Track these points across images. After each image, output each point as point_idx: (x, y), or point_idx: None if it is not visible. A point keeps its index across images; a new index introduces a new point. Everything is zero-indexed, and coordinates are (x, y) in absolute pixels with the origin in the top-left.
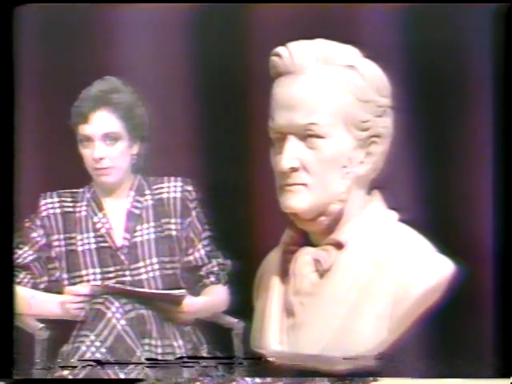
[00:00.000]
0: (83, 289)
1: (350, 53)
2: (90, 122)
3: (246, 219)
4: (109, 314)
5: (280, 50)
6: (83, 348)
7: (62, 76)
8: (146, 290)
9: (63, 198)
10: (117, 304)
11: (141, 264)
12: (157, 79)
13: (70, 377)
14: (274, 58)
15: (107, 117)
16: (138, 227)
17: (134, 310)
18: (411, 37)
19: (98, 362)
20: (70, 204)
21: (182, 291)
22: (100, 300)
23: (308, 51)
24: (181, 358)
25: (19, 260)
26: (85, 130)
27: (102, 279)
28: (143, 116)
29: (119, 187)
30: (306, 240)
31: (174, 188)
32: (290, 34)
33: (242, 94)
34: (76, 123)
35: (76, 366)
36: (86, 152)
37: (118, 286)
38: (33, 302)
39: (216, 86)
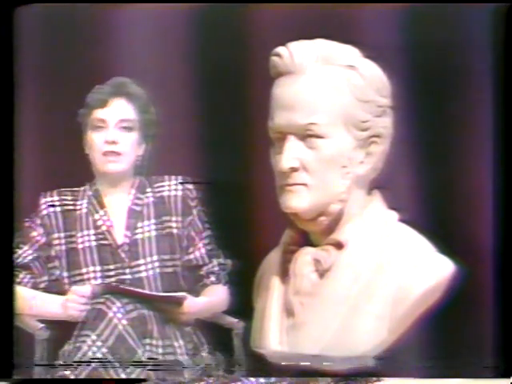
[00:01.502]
0: (87, 290)
1: (350, 53)
2: (108, 107)
3: (246, 219)
4: (110, 314)
5: (280, 49)
6: (84, 348)
7: (62, 76)
8: (147, 291)
9: (63, 197)
10: (118, 304)
11: (141, 261)
12: (156, 79)
13: (72, 377)
14: (274, 58)
15: (125, 105)
16: (139, 224)
17: (135, 310)
18: (411, 37)
19: (100, 361)
20: (71, 202)
21: (183, 294)
22: (101, 300)
23: (308, 51)
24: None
25: (19, 260)
26: (100, 114)
27: (102, 277)
28: (155, 115)
29: (120, 183)
30: (306, 240)
31: (174, 186)
32: (289, 34)
33: (242, 94)
34: (91, 108)
35: (77, 365)
36: (98, 136)
37: (121, 286)
38: (34, 303)
39: (216, 86)
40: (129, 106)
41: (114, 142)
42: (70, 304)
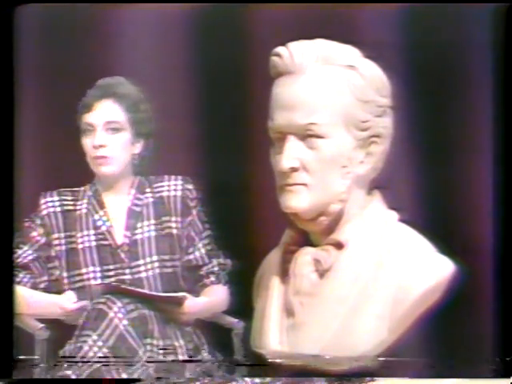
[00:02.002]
0: (72, 304)
1: (350, 53)
2: (94, 111)
3: (246, 219)
4: (111, 314)
5: (280, 49)
6: (85, 348)
7: (62, 76)
8: (147, 291)
9: (63, 197)
10: (119, 304)
11: (141, 262)
12: (157, 79)
13: (73, 376)
14: (274, 58)
15: (111, 106)
16: (139, 224)
17: (136, 310)
18: (411, 37)
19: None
20: (71, 202)
21: (183, 294)
22: (102, 300)
23: (308, 51)
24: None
25: (19, 260)
26: (88, 118)
27: (102, 277)
28: (148, 112)
29: (119, 183)
30: (306, 240)
31: (174, 186)
32: (290, 34)
33: (242, 93)
34: (81, 113)
35: (77, 365)
36: (87, 141)
37: (122, 286)
38: (32, 302)
39: (216, 86)
40: (116, 107)
41: (101, 146)
42: (61, 311)
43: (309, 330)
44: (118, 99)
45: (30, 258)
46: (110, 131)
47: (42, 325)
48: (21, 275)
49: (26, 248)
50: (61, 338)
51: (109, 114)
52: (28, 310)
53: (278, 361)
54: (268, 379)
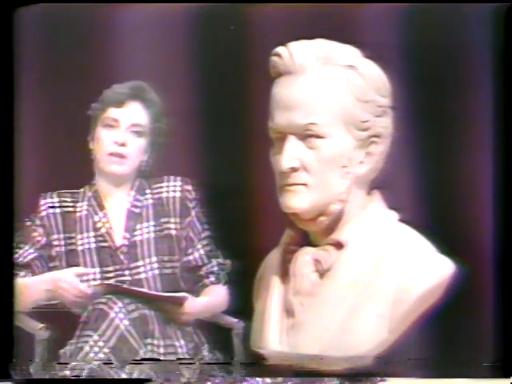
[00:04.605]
0: (83, 286)
1: (350, 53)
2: (123, 108)
3: (246, 219)
4: (112, 314)
5: (280, 49)
6: (86, 348)
7: (62, 76)
8: (147, 291)
9: (63, 198)
10: (120, 304)
11: (140, 263)
12: (156, 79)
13: (73, 377)
14: (274, 58)
15: (140, 110)
16: (138, 226)
17: (136, 310)
18: (411, 37)
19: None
20: (70, 204)
21: (184, 294)
22: (103, 300)
23: (308, 51)
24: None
25: (20, 259)
26: (115, 113)
27: (102, 279)
28: (167, 125)
29: (120, 185)
30: (306, 240)
31: (173, 187)
32: (290, 34)
33: (242, 94)
34: (106, 106)
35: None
36: (108, 134)
37: (123, 286)
38: (32, 287)
39: (216, 86)
40: (143, 112)
41: (123, 144)
42: (63, 284)
43: (309, 330)
44: (146, 105)
45: (31, 256)
46: (132, 133)
47: (42, 325)
48: (21, 274)
49: (26, 247)
50: (61, 338)
51: (136, 116)
52: (29, 298)
53: (277, 361)
54: (280, 379)
